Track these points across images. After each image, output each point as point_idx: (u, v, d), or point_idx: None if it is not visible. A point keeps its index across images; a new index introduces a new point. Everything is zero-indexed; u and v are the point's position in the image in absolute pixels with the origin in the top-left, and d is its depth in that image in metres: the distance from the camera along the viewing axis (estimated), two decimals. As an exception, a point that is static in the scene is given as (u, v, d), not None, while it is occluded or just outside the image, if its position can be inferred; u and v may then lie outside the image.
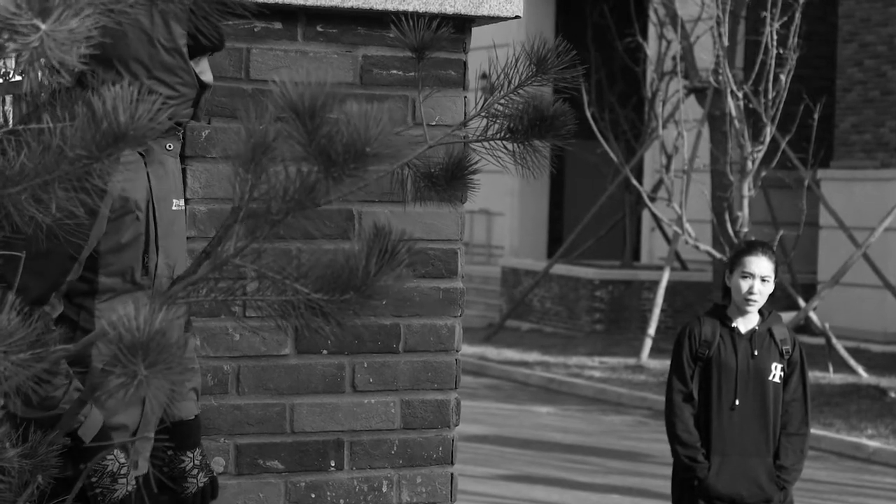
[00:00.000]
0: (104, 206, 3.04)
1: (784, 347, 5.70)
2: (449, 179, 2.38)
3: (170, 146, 3.21)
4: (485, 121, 2.34)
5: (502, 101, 2.32)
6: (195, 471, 3.38)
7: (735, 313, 5.70)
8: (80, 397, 2.93)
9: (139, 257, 3.13)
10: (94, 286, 3.11)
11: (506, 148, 2.32)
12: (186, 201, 3.65)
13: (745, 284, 5.61)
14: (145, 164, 3.16)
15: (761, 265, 5.62)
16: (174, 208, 3.24)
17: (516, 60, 2.33)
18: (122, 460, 3.06)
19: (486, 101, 2.34)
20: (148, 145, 3.14)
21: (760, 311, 5.72)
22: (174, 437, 3.37)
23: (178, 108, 3.14)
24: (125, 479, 3.06)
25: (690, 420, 5.65)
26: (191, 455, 3.38)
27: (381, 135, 1.43)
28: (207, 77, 3.19)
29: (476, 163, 2.39)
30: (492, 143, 2.32)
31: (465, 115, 3.93)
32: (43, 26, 1.29)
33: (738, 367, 5.65)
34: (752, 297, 5.61)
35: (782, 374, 5.70)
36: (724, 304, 5.76)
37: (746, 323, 5.70)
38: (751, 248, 5.72)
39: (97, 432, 3.04)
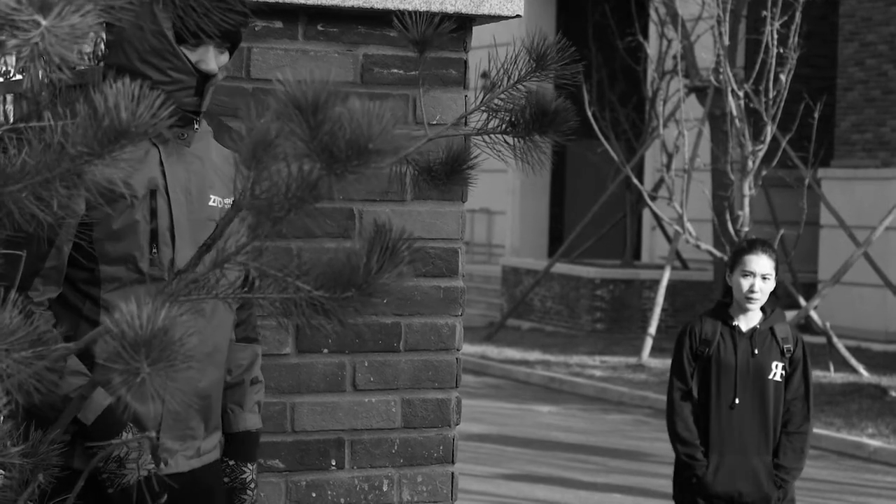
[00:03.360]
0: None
1: (786, 346, 5.70)
2: (448, 174, 2.38)
3: (184, 135, 3.18)
4: (485, 115, 2.34)
5: (503, 95, 2.32)
6: (253, 484, 3.38)
7: (737, 311, 5.71)
8: (81, 392, 2.91)
9: (141, 245, 3.09)
10: (96, 274, 3.09)
11: (506, 142, 2.33)
12: None
13: (745, 283, 5.62)
14: (160, 152, 3.14)
15: (762, 263, 5.63)
16: (212, 204, 3.21)
17: (516, 56, 2.34)
18: (133, 445, 3.03)
19: (486, 95, 2.34)
20: (160, 136, 3.12)
21: (763, 309, 5.72)
22: (237, 448, 3.37)
23: (174, 94, 3.11)
24: (135, 465, 3.02)
25: (690, 418, 5.65)
26: (251, 467, 3.38)
27: (383, 131, 1.43)
28: (208, 66, 3.12)
29: (476, 157, 2.39)
30: (492, 137, 2.32)
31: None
32: (44, 22, 1.29)
33: (737, 365, 5.65)
34: (753, 295, 5.62)
35: (783, 372, 5.70)
36: (727, 301, 5.76)
37: (748, 321, 5.71)
38: (751, 246, 5.73)
39: (100, 414, 3.02)
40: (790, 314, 15.84)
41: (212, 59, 3.14)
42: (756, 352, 5.66)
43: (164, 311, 1.40)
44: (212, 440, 3.30)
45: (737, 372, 5.65)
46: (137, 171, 3.09)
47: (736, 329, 5.68)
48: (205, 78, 3.14)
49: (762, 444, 5.66)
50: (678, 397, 5.68)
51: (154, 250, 3.10)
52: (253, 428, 3.39)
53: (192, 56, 3.12)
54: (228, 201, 3.24)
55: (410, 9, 3.79)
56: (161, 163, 3.14)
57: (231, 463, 3.34)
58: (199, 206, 3.18)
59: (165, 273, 3.12)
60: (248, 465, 3.37)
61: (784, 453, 5.67)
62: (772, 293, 5.71)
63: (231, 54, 3.21)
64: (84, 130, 1.36)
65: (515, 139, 2.31)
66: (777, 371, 5.68)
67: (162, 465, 3.08)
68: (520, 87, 2.34)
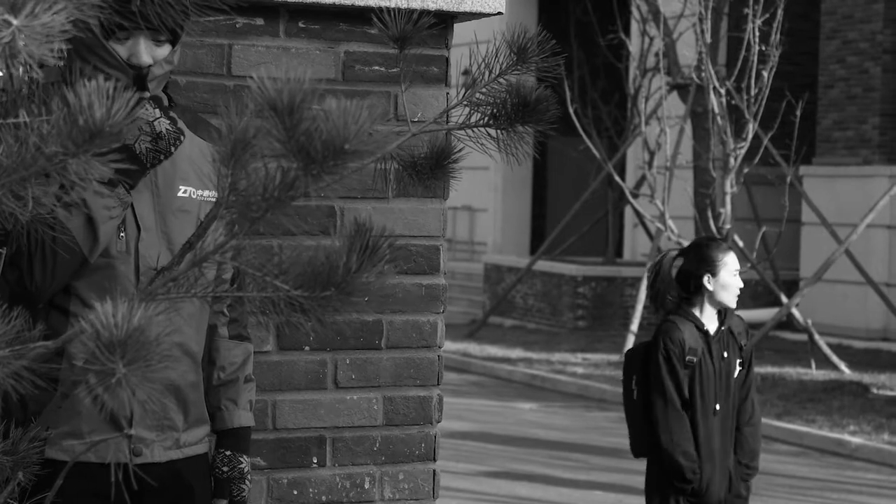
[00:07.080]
0: None
1: (741, 342, 5.63)
2: (433, 168, 2.38)
3: None
4: (467, 110, 2.34)
5: (484, 89, 2.32)
6: (249, 476, 3.40)
7: (706, 314, 5.62)
8: (62, 391, 2.90)
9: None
10: None
11: (489, 135, 2.32)
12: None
13: (737, 282, 5.54)
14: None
15: (736, 259, 5.62)
16: (182, 195, 3.21)
17: (497, 50, 2.34)
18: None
19: (467, 90, 2.34)
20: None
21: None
22: (232, 441, 3.38)
23: None
24: None
25: (690, 430, 5.53)
26: (246, 459, 3.39)
27: (360, 131, 1.42)
28: (139, 59, 3.07)
29: (460, 150, 2.39)
30: (476, 130, 2.32)
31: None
32: (15, 21, 1.28)
33: (715, 371, 5.56)
34: (739, 293, 5.59)
35: (740, 368, 5.63)
36: (688, 304, 5.62)
37: (711, 324, 5.61)
38: (721, 245, 5.64)
39: None
40: (772, 311, 15.88)
41: (143, 52, 3.09)
42: (725, 354, 5.57)
43: (141, 311, 1.39)
44: (194, 433, 3.30)
45: (715, 378, 5.56)
46: None
47: (707, 334, 5.58)
48: (140, 72, 3.09)
49: (733, 444, 5.62)
50: (679, 406, 5.51)
51: (122, 233, 3.11)
52: (246, 425, 3.41)
53: (122, 51, 3.08)
54: (203, 192, 3.25)
55: (391, 5, 3.78)
56: None
57: (228, 453, 3.36)
58: (167, 198, 3.19)
59: (132, 257, 3.12)
60: (244, 456, 3.39)
61: (748, 446, 5.60)
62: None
63: (174, 45, 3.15)
64: (59, 129, 1.35)
65: (498, 131, 2.31)
66: (738, 369, 5.62)
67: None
68: (501, 80, 2.34)
